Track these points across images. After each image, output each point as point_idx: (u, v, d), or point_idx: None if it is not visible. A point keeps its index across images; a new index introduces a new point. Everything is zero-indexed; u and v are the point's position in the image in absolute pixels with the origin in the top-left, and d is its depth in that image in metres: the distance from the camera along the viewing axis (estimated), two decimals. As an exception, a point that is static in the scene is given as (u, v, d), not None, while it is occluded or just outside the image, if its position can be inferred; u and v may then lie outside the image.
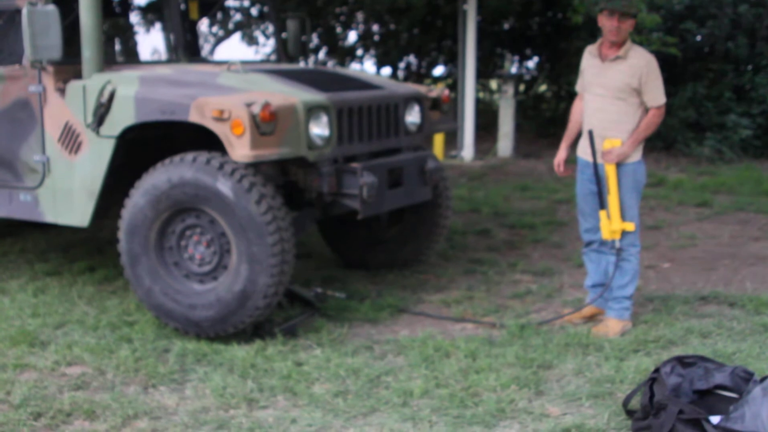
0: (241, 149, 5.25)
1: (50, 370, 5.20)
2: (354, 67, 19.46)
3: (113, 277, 6.95)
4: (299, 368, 5.18)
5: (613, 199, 5.67)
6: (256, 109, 5.24)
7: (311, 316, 6.08)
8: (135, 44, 9.93)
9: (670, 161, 13.29)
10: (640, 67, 5.57)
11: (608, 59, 5.67)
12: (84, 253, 7.80)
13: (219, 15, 17.95)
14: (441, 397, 4.77)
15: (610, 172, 5.65)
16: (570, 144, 6.04)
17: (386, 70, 19.52)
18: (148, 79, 5.81)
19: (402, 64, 19.85)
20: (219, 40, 18.94)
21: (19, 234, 8.49)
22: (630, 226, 5.68)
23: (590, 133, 5.72)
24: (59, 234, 8.30)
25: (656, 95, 5.61)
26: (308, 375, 5.08)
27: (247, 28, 19.75)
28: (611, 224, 5.70)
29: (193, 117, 5.41)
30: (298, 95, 5.66)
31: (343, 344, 5.60)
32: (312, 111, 5.60)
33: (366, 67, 20.77)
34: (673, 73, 14.15)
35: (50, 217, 6.20)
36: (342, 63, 19.64)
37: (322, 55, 20.02)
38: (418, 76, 19.50)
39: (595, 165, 5.72)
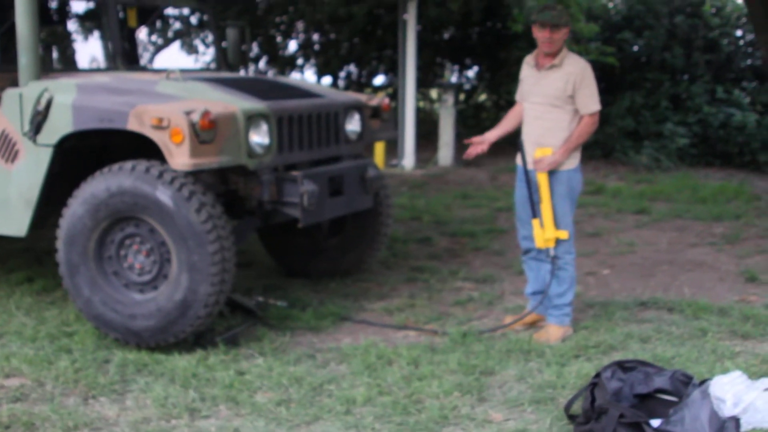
0: (180, 158, 5.21)
1: (-13, 383, 5.13)
2: (294, 77, 19.41)
3: (52, 287, 6.84)
4: (241, 377, 5.14)
5: (545, 207, 5.71)
6: (196, 117, 5.21)
7: (253, 325, 6.04)
8: (73, 52, 9.81)
9: (608, 169, 13.44)
10: (574, 74, 5.63)
11: (544, 68, 5.73)
12: (22, 263, 7.67)
13: (158, 23, 17.83)
14: (384, 404, 4.76)
15: (542, 180, 5.69)
16: (498, 134, 6.07)
17: (327, 80, 19.50)
18: (86, 87, 5.74)
19: (342, 74, 19.83)
20: (158, 49, 18.80)
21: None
22: (564, 234, 5.73)
23: (520, 142, 5.77)
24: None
25: (589, 102, 5.66)
26: (250, 384, 5.05)
27: (186, 36, 19.63)
28: (545, 233, 5.74)
29: (132, 125, 5.36)
30: (238, 103, 5.63)
31: (286, 353, 5.57)
32: (252, 119, 5.58)
33: (306, 76, 20.73)
34: (611, 83, 14.34)
35: (-14, 227, 6.10)
36: (282, 72, 19.57)
37: (262, 64, 19.94)
38: (359, 85, 19.50)
39: (526, 172, 5.76)
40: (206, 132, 5.24)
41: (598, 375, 4.60)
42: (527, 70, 5.87)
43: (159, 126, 5.25)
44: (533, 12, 5.75)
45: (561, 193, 5.75)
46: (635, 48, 14.77)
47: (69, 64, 8.91)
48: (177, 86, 5.85)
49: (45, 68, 6.21)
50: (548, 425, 4.53)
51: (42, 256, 7.81)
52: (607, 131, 13.89)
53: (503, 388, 5.05)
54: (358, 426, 4.53)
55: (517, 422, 4.58)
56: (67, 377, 5.15)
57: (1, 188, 5.94)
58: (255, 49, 19.42)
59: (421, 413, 4.66)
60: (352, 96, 6.86)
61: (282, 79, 7.32)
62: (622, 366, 4.72)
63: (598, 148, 13.78)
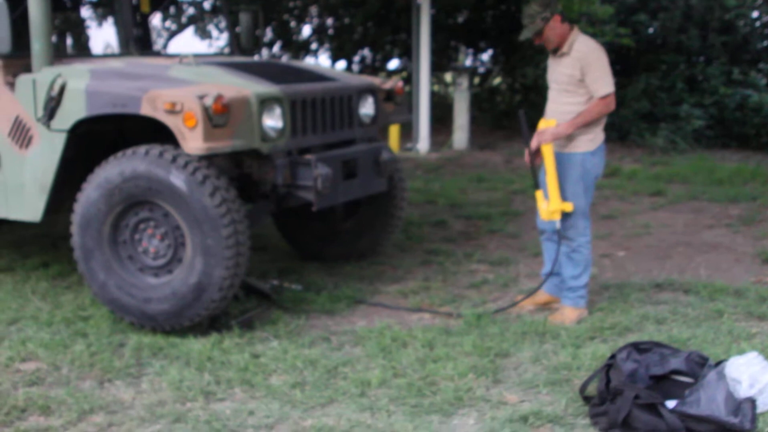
0: (193, 142, 5.21)
1: (4, 367, 5.13)
2: (308, 61, 19.39)
3: (67, 272, 6.87)
4: (256, 360, 5.15)
5: (551, 179, 5.67)
6: (209, 101, 5.20)
7: (268, 308, 6.06)
8: (87, 39, 9.84)
9: (624, 152, 13.39)
10: (581, 58, 5.59)
11: (557, 55, 5.72)
12: (38, 248, 7.71)
13: (172, 9, 17.82)
14: (399, 386, 4.76)
15: (546, 152, 5.66)
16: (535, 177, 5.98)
17: (341, 64, 19.47)
18: (99, 72, 5.75)
19: (357, 58, 19.81)
20: (172, 34, 18.79)
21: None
22: (568, 206, 5.67)
23: (519, 114, 5.76)
24: (12, 230, 8.18)
25: (599, 85, 5.58)
26: (265, 367, 5.06)
27: (200, 21, 19.62)
28: (549, 205, 5.71)
29: (145, 110, 5.36)
30: (252, 87, 5.62)
31: (300, 336, 5.58)
32: (265, 103, 5.57)
33: (320, 61, 20.72)
34: (626, 65, 14.29)
35: (2, 212, 6.11)
36: (296, 57, 19.57)
37: (276, 49, 19.93)
38: (373, 69, 19.48)
39: (527, 141, 5.76)
40: (219, 116, 5.24)
41: (613, 356, 4.59)
42: (549, 59, 5.87)
43: (172, 110, 5.25)
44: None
45: (574, 177, 5.72)
46: (651, 30, 14.70)
47: (83, 51, 8.94)
48: (190, 71, 5.84)
49: (59, 54, 6.21)
50: (563, 406, 4.52)
51: (57, 241, 7.85)
52: (623, 113, 13.84)
53: (518, 369, 5.04)
54: (373, 408, 4.52)
55: (532, 404, 4.57)
56: (82, 361, 5.16)
57: (15, 174, 5.96)
58: (269, 33, 19.42)
59: (436, 395, 4.66)
60: (366, 79, 6.84)
61: (295, 63, 7.31)
62: (638, 347, 4.71)
63: (614, 130, 13.72)
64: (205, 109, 5.19)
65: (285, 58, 19.10)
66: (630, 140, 13.95)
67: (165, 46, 17.72)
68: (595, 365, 4.94)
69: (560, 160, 5.73)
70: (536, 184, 5.78)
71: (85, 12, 13.22)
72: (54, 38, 8.58)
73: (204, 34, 20.20)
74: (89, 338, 5.51)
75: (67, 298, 6.33)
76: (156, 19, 18.55)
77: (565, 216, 5.76)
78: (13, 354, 5.28)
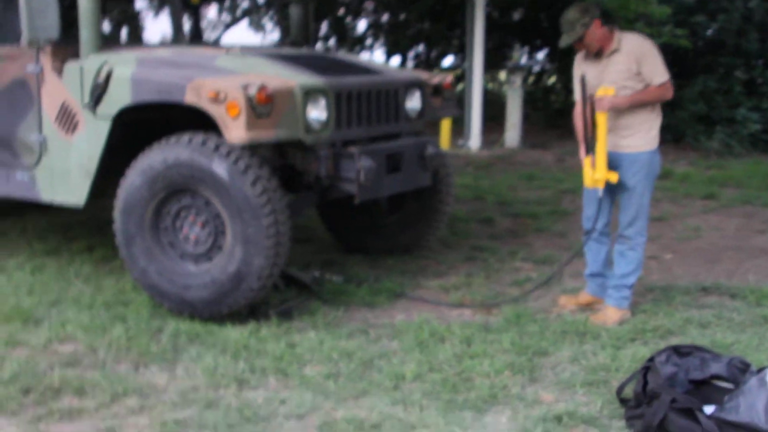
0: (236, 131, 5.21)
1: (42, 347, 5.18)
2: (363, 56, 19.40)
3: (111, 256, 6.91)
4: (292, 350, 5.14)
5: (600, 147, 5.59)
6: (252, 91, 5.19)
7: (307, 299, 6.05)
8: (141, 29, 9.92)
9: (678, 154, 13.20)
10: (635, 51, 5.54)
11: (606, 55, 5.63)
12: (84, 232, 7.77)
13: (227, 1, 17.92)
14: (433, 381, 4.73)
15: (600, 120, 5.58)
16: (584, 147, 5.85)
17: (396, 60, 19.45)
18: (145, 61, 5.77)
19: (411, 54, 19.77)
20: (226, 27, 18.89)
21: (20, 214, 8.45)
22: (614, 177, 5.58)
23: (582, 79, 5.67)
24: (59, 214, 8.25)
25: (657, 73, 5.55)
26: (301, 357, 5.05)
27: (254, 14, 19.70)
28: (595, 173, 5.63)
29: (189, 98, 5.37)
30: (296, 78, 5.61)
31: (338, 327, 5.56)
32: (310, 94, 5.56)
33: (375, 56, 20.71)
34: (683, 67, 14.08)
35: (47, 196, 6.17)
36: (351, 52, 19.57)
37: (331, 44, 19.96)
38: (428, 65, 19.43)
39: (584, 106, 5.67)
40: (263, 106, 5.23)
41: (651, 359, 4.50)
42: (586, 65, 5.76)
43: (216, 99, 5.25)
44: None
45: (639, 176, 5.65)
46: (709, 32, 14.47)
47: (137, 41, 9.00)
48: (236, 61, 5.85)
49: (112, 44, 6.23)
50: (599, 408, 4.45)
51: (103, 225, 7.89)
52: (679, 115, 13.65)
53: (556, 369, 4.98)
54: (406, 401, 4.49)
55: (568, 404, 4.50)
56: (119, 344, 5.19)
57: (61, 158, 6.01)
58: (324, 28, 19.46)
59: (471, 391, 4.61)
60: (413, 74, 6.80)
61: (342, 55, 7.29)
62: (678, 351, 4.61)
63: (669, 132, 13.51)
64: (249, 99, 5.18)
65: (340, 53, 19.13)
66: (685, 143, 13.75)
67: (219, 38, 17.82)
68: (634, 367, 4.86)
69: (627, 161, 5.66)
70: (586, 150, 5.70)
71: (141, 3, 13.32)
72: (109, 28, 8.68)
73: (258, 26, 20.27)
74: (128, 322, 5.54)
75: (109, 282, 6.37)
76: (211, 12, 18.66)
77: (626, 214, 5.71)
78: (52, 335, 5.33)
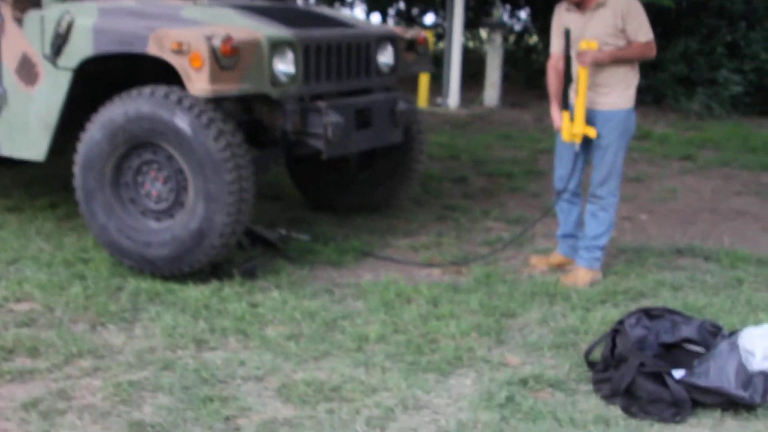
0: (199, 83, 5.03)
1: (-3, 307, 5.05)
2: (343, 12, 19.14)
3: (74, 214, 6.69)
4: (254, 310, 5.01)
5: (580, 102, 5.47)
6: (217, 42, 5.01)
7: (273, 257, 5.90)
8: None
9: (658, 115, 13.08)
10: (620, 7, 5.39)
11: (590, 9, 5.48)
12: (47, 189, 7.57)
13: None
14: (397, 343, 4.61)
15: (581, 74, 5.45)
16: (558, 103, 5.72)
17: (376, 17, 19.22)
18: (107, 10, 5.57)
19: (392, 11, 19.53)
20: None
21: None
22: (592, 132, 5.48)
23: (566, 32, 5.52)
24: (24, 170, 8.06)
25: (643, 31, 5.44)
26: (262, 317, 4.92)
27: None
28: (573, 126, 5.52)
29: (152, 49, 5.19)
30: (263, 30, 5.43)
31: (302, 287, 5.43)
32: (277, 47, 5.38)
33: (356, 13, 20.44)
34: (665, 27, 13.91)
35: (6, 150, 5.99)
36: (331, 7, 19.31)
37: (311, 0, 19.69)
38: (409, 22, 19.20)
39: (567, 61, 5.54)
40: (227, 58, 5.05)
41: (621, 322, 4.40)
42: (568, 16, 5.59)
43: (179, 50, 5.07)
44: None
45: (614, 134, 5.52)
46: (692, -8, 14.32)
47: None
48: (202, 12, 5.65)
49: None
50: (566, 371, 4.34)
51: (67, 182, 7.68)
52: (660, 76, 13.52)
53: (523, 331, 4.87)
54: (368, 364, 4.37)
55: (534, 366, 4.40)
56: (77, 303, 5.04)
57: (20, 111, 5.82)
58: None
59: (435, 353, 4.50)
60: (386, 27, 6.64)
61: (314, 8, 7.09)
62: (649, 313, 4.51)
63: (650, 93, 13.41)
64: (213, 50, 5.00)
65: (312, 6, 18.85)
66: (665, 104, 13.64)
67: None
68: (603, 330, 4.75)
69: (602, 118, 5.53)
70: (565, 105, 5.58)
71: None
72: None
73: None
74: (87, 281, 5.38)
75: (70, 239, 6.20)
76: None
77: (598, 173, 5.58)
78: (8, 294, 5.17)
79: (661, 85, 13.64)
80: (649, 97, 13.45)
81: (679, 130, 11.94)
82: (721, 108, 13.17)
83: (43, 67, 5.66)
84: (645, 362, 4.05)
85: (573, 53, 5.53)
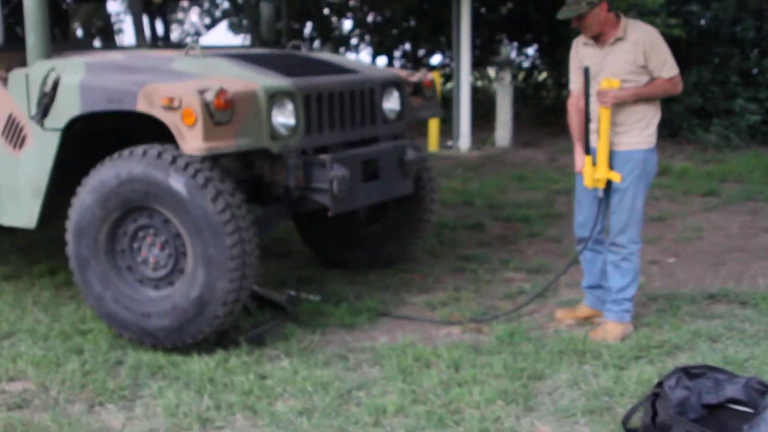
0: (193, 141, 4.71)
1: (-11, 388, 4.71)
2: (349, 56, 18.92)
3: (73, 281, 6.41)
4: (262, 382, 4.67)
5: (602, 145, 5.14)
6: (210, 96, 4.70)
7: (282, 322, 5.55)
8: (116, 33, 9.42)
9: (675, 149, 12.72)
10: (642, 41, 5.07)
11: (608, 43, 5.15)
12: (46, 254, 7.26)
13: (206, 3, 17.44)
14: (417, 414, 4.25)
15: (603, 115, 5.12)
16: (582, 146, 5.38)
17: (382, 60, 18.98)
18: (95, 66, 5.28)
19: (398, 54, 19.30)
20: (208, 28, 18.41)
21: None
22: (616, 177, 5.15)
23: (585, 70, 5.21)
24: (24, 235, 7.76)
25: (667, 66, 5.12)
26: (272, 390, 4.57)
27: (234, 15, 19.20)
28: (596, 171, 5.19)
29: (141, 106, 4.88)
30: (260, 80, 5.12)
31: (314, 354, 5.08)
32: (275, 97, 5.07)
33: (362, 56, 20.24)
34: (677, 58, 13.46)
35: (-5, 217, 5.69)
36: (336, 52, 19.11)
37: (316, 44, 19.49)
38: (415, 64, 18.97)
39: (587, 100, 5.23)
40: (222, 112, 4.74)
41: (660, 384, 4.03)
42: (586, 51, 5.28)
43: (170, 107, 4.76)
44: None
45: (635, 175, 5.18)
46: (703, 21, 14.00)
47: (110, 44, 8.48)
48: (194, 63, 5.34)
49: (86, 46, 5.74)
50: (603, 441, 3.99)
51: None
52: (674, 109, 13.19)
53: (553, 395, 4.50)
54: (387, 441, 4.03)
55: (568, 437, 4.05)
56: (74, 381, 4.72)
57: (9, 176, 5.53)
58: (309, 28, 18.99)
59: (459, 425, 4.15)
60: (390, 71, 6.33)
61: (313, 54, 6.78)
62: (689, 372, 4.14)
63: (665, 126, 12.98)
64: (206, 105, 4.69)
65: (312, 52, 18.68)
66: (681, 136, 13.29)
67: (196, 41, 17.34)
68: (640, 391, 4.39)
69: (620, 159, 5.19)
70: (586, 149, 5.25)
71: (114, 5, 12.83)
72: (80, 31, 8.18)
73: (239, 28, 19.73)
74: (84, 355, 5.07)
75: (68, 309, 5.89)
76: (193, 15, 18.20)
77: (617, 219, 5.23)
78: (1, 373, 4.87)
79: (675, 117, 13.31)
80: (664, 130, 13.08)
81: (697, 163, 11.60)
82: (739, 138, 12.85)
83: (30, 128, 5.37)
84: (690, 430, 3.68)
85: (592, 92, 5.21)
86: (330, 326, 5.55)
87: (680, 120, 13.32)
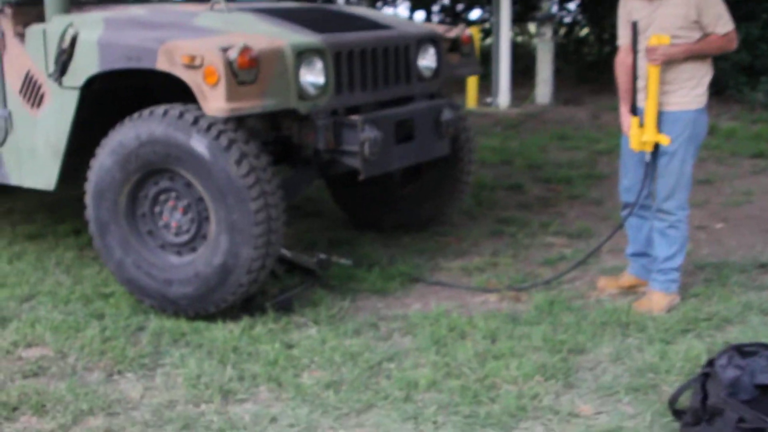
0: (214, 102, 4.46)
1: (5, 353, 4.54)
2: (386, 11, 18.56)
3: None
4: (289, 352, 4.47)
5: (650, 105, 4.85)
6: (233, 54, 4.44)
7: (311, 286, 5.33)
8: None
9: (721, 108, 12.30)
10: None
11: None
12: (73, 212, 7.06)
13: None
14: (451, 390, 4.03)
15: (652, 73, 4.83)
16: (629, 104, 5.07)
17: (420, 14, 18.62)
18: (114, 21, 5.03)
19: (436, 8, 18.92)
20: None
21: (11, 192, 7.77)
22: (665, 139, 4.87)
23: (634, 25, 4.90)
24: (50, 193, 7.59)
25: (722, 21, 4.79)
26: (298, 361, 4.37)
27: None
28: (643, 133, 4.90)
29: (161, 64, 4.64)
30: (287, 37, 4.85)
31: (343, 322, 4.87)
32: (303, 55, 4.80)
33: (399, 11, 19.86)
34: (724, 13, 13.20)
35: (15, 179, 5.51)
36: (373, 7, 18.77)
37: (354, -1, 19.16)
38: (454, 19, 18.59)
39: (635, 56, 4.92)
40: (246, 71, 4.48)
41: (711, 363, 3.77)
42: (634, 5, 4.96)
43: (191, 65, 4.51)
44: None
45: (685, 138, 4.90)
46: (752, -26, 13.58)
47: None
48: (219, 18, 5.07)
49: (80, 1, 5.50)
50: (648, 423, 3.74)
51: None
52: (720, 66, 12.74)
53: (595, 370, 4.26)
54: (418, 418, 3.81)
55: (611, 416, 3.80)
56: (93, 348, 4.54)
57: (26, 136, 5.33)
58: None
59: (494, 402, 3.92)
60: (426, 27, 6.04)
61: (346, 8, 6.49)
62: (741, 350, 3.86)
63: (710, 84, 12.67)
64: (229, 64, 4.43)
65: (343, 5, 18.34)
66: (727, 95, 12.88)
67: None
68: (687, 367, 4.14)
69: (668, 120, 4.90)
70: (633, 109, 4.96)
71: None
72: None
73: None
74: (105, 320, 4.89)
75: (91, 271, 5.70)
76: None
77: (664, 184, 4.95)
78: (19, 338, 4.68)
79: (722, 74, 12.85)
80: (710, 88, 12.71)
81: (745, 123, 11.19)
82: (789, 97, 12.43)
83: (48, 87, 5.16)
84: (744, 416, 3.43)
85: (641, 48, 4.90)
86: (361, 292, 5.34)
87: (727, 78, 12.90)
